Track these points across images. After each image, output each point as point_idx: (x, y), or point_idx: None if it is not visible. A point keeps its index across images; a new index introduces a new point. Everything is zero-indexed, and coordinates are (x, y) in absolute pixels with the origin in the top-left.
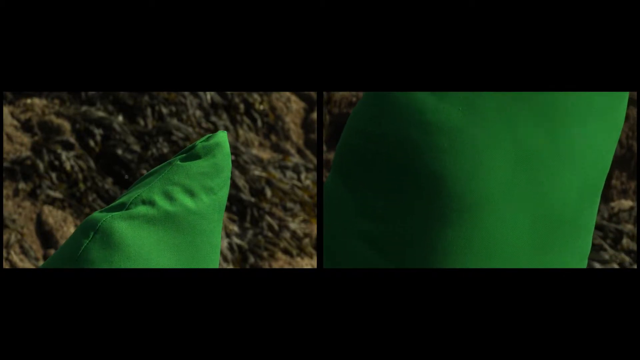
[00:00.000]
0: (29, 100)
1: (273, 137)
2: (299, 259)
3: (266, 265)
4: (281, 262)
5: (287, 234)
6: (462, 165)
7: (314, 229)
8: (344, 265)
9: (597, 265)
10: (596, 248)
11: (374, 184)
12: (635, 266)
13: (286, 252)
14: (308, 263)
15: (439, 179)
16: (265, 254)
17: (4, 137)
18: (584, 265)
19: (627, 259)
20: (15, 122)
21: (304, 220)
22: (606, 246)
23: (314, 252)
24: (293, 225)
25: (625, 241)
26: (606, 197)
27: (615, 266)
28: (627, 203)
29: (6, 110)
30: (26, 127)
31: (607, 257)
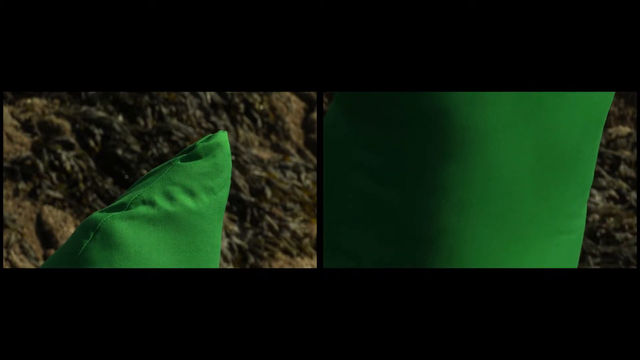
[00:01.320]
0: (29, 100)
1: (273, 137)
2: (299, 259)
3: (266, 265)
4: (281, 262)
5: (287, 234)
6: (466, 99)
7: (314, 229)
8: (342, 196)
9: (595, 192)
10: (594, 175)
11: (376, 117)
12: (632, 201)
13: (286, 252)
14: (308, 263)
15: (441, 113)
16: (265, 254)
17: (4, 137)
18: (585, 197)
19: (624, 185)
20: (15, 122)
21: (304, 220)
22: (604, 173)
23: (314, 252)
24: (293, 225)
25: (622, 168)
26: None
27: (613, 193)
28: (624, 129)
29: (6, 110)
30: (26, 127)
31: (604, 183)
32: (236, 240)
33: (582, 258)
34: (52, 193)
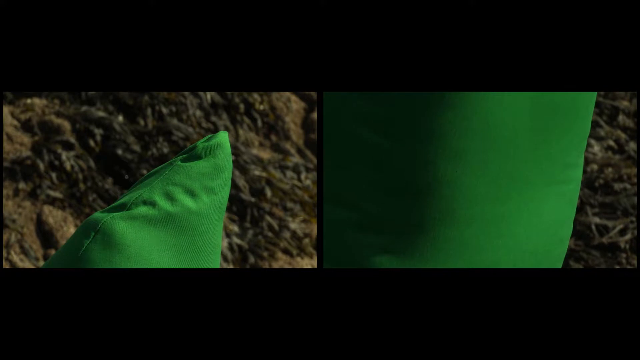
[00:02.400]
0: (29, 100)
1: (273, 137)
2: (299, 259)
3: (266, 265)
4: (281, 262)
5: (287, 234)
6: None
7: (314, 229)
8: (342, 146)
9: (593, 142)
10: (592, 125)
11: None
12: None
13: (286, 252)
14: (308, 263)
15: None
16: (265, 254)
17: (4, 137)
18: (583, 147)
19: (623, 135)
20: (15, 122)
21: (304, 220)
22: (602, 123)
23: (314, 252)
24: (293, 225)
25: (621, 118)
26: None
27: (611, 142)
28: None
29: (6, 110)
30: (26, 127)
31: (603, 133)
32: (236, 240)
33: (581, 208)
34: (52, 193)
